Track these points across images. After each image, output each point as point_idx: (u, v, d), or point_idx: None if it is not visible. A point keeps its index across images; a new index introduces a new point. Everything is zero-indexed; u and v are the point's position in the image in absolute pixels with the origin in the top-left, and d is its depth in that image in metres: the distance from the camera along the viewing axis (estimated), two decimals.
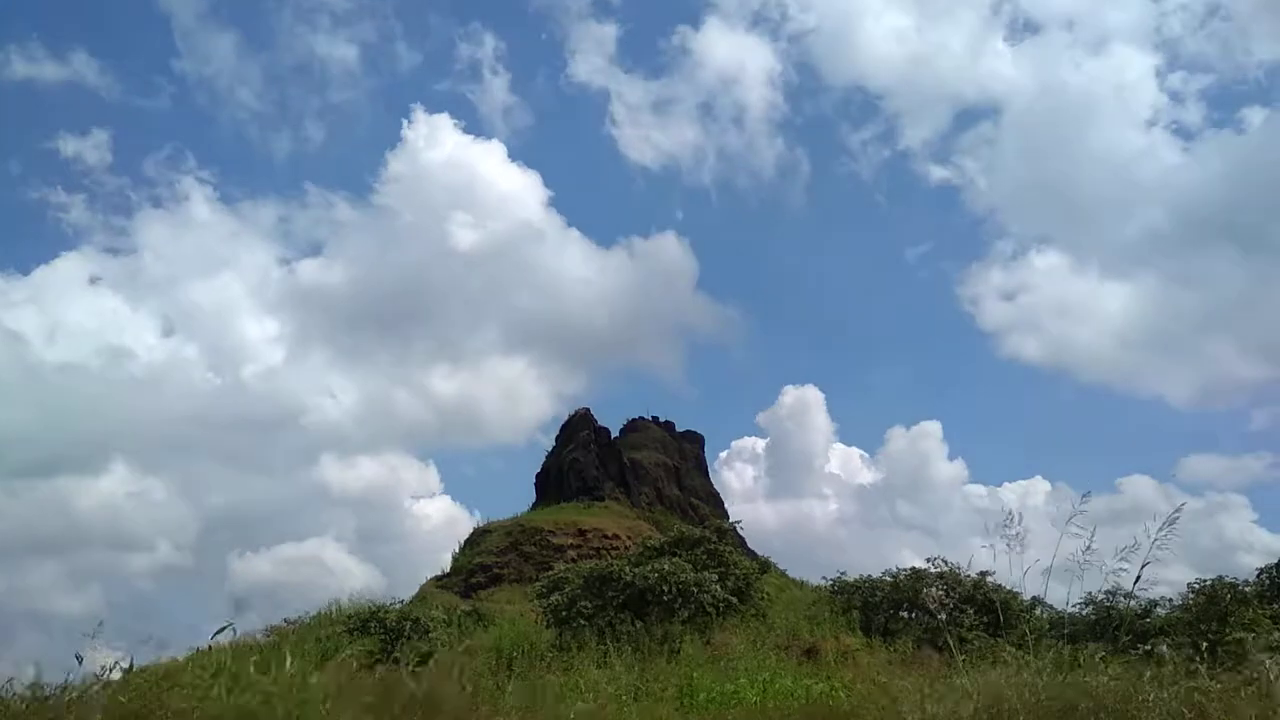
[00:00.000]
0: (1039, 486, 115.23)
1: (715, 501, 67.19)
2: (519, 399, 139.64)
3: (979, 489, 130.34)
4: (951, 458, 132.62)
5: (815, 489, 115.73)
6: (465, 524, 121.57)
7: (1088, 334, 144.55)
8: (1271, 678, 5.34)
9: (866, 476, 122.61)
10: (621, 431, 66.21)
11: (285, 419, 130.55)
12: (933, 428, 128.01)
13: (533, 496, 59.95)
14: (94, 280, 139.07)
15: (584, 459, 57.58)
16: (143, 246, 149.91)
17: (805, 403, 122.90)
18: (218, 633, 7.06)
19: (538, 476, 60.97)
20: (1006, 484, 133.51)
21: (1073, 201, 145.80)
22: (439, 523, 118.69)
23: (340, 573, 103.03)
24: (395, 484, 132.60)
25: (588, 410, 62.53)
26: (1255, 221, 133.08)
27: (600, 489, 55.94)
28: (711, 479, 71.79)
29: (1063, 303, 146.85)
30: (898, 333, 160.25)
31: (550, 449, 61.88)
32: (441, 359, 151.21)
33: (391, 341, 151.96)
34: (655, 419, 70.47)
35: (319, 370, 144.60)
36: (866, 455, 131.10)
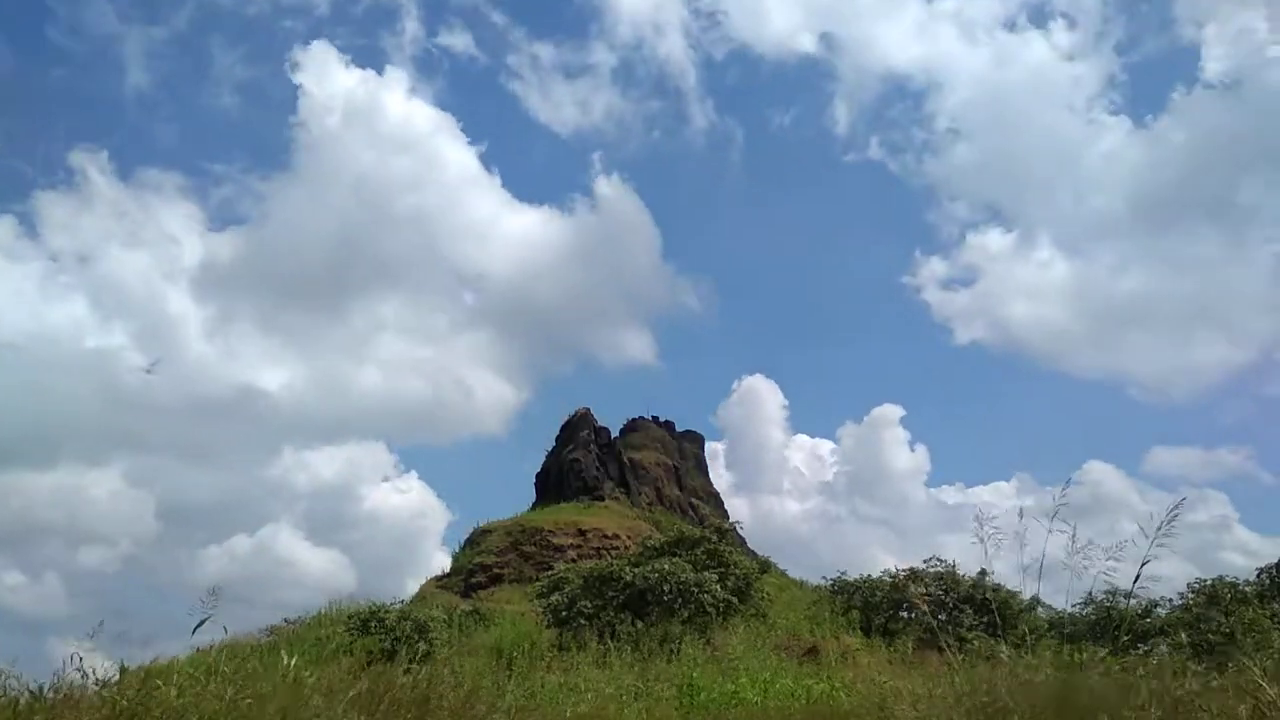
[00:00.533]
0: (1006, 482, 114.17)
1: (715, 501, 67.18)
2: (473, 374, 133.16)
3: (941, 480, 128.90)
4: (913, 446, 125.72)
5: (774, 484, 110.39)
6: (430, 503, 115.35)
7: (1042, 318, 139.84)
8: (1264, 676, 5.32)
9: (827, 469, 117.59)
10: (621, 431, 66.23)
11: (230, 402, 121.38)
12: (893, 413, 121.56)
13: (529, 493, 60.07)
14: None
15: (584, 459, 57.57)
16: (46, 229, 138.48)
17: (760, 394, 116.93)
18: (198, 626, 6.99)
19: (537, 476, 60.99)
20: (970, 477, 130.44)
21: (1020, 179, 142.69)
22: (402, 507, 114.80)
23: (304, 561, 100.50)
24: (353, 468, 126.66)
25: (588, 410, 62.57)
26: (1206, 202, 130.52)
27: (600, 489, 55.91)
28: (711, 479, 71.88)
29: (1014, 285, 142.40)
30: (842, 318, 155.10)
31: (550, 448, 61.96)
32: (388, 334, 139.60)
33: (330, 316, 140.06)
34: (655, 419, 70.65)
35: (258, 350, 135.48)
36: (825, 447, 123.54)
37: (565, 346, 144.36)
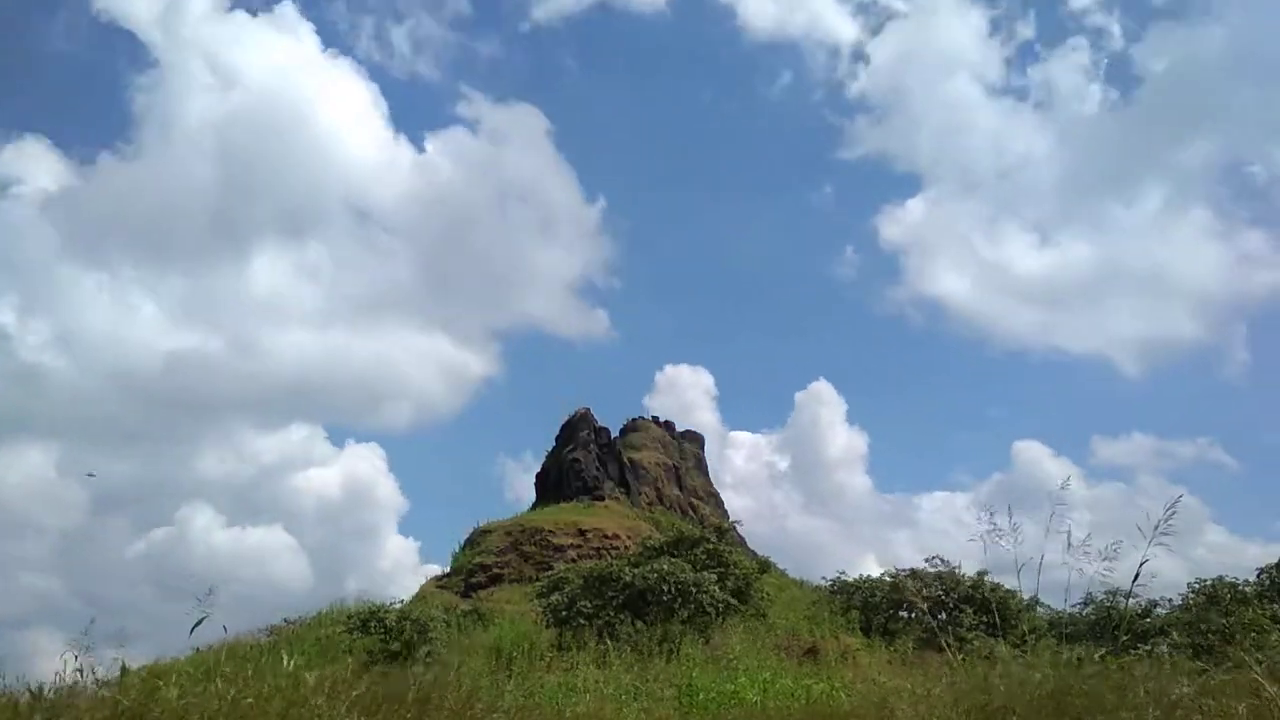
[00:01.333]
0: (950, 491, 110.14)
1: (715, 501, 67.20)
2: (404, 341, 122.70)
3: (879, 469, 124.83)
4: (850, 432, 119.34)
5: (716, 479, 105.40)
6: (381, 485, 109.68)
7: (976, 296, 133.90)
8: (1260, 675, 5.32)
9: (766, 462, 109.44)
10: (621, 431, 66.36)
11: (140, 377, 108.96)
12: (829, 397, 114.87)
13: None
14: None
15: (584, 459, 57.55)
16: None
17: (688, 384, 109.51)
18: (195, 626, 6.98)
19: (537, 476, 61.09)
20: (913, 468, 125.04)
21: (940, 149, 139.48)
22: (349, 489, 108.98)
23: (252, 551, 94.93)
24: (289, 448, 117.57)
25: (588, 410, 62.67)
26: (1137, 172, 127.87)
27: (600, 489, 55.92)
28: (711, 479, 71.93)
29: (941, 262, 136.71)
30: (758, 302, 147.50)
31: (550, 449, 62.05)
32: (297, 291, 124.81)
33: (232, 271, 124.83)
34: (655, 419, 71.11)
35: (159, 318, 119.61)
36: (761, 440, 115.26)
37: (497, 298, 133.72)
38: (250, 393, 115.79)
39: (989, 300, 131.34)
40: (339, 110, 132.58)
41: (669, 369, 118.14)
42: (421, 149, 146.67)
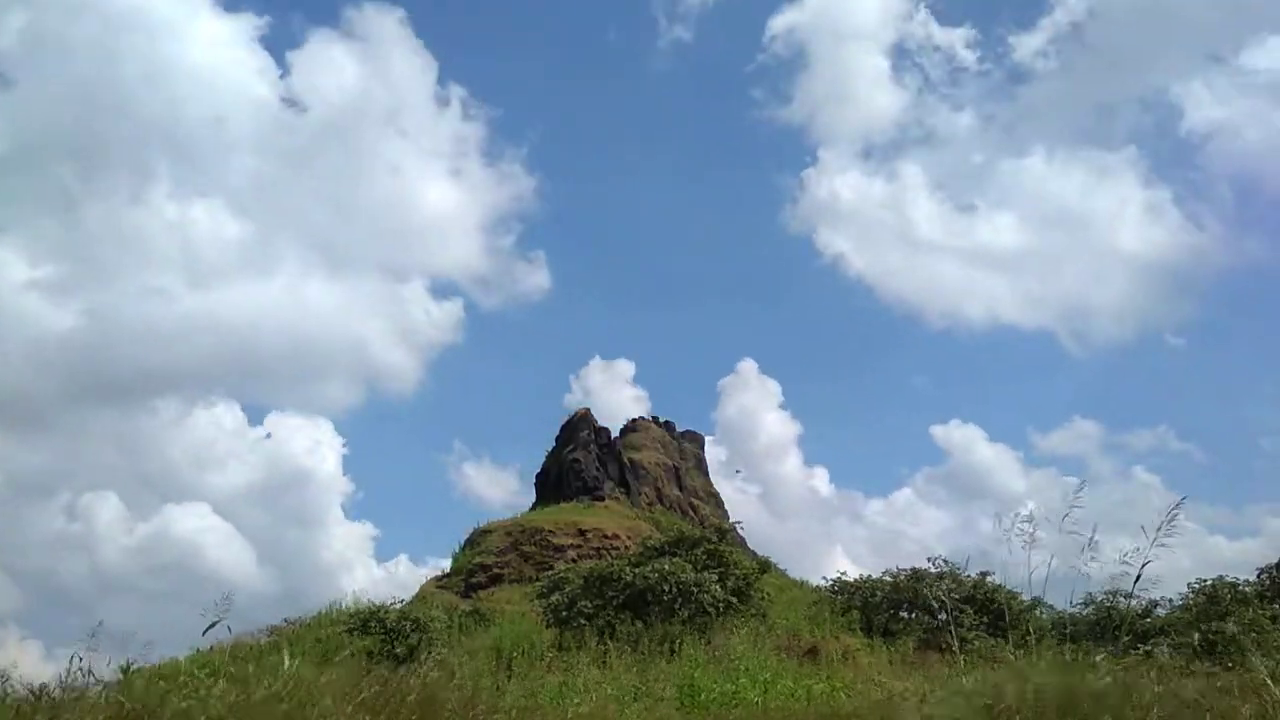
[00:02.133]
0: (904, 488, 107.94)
1: (716, 501, 67.25)
2: (326, 297, 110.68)
3: (815, 460, 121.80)
4: (785, 414, 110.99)
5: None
6: (316, 463, 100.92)
7: (914, 272, 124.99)
8: (1266, 676, 5.32)
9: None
10: (621, 431, 66.43)
11: (31, 345, 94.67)
12: (755, 380, 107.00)
13: (533, 495, 60.21)
14: None
15: (584, 459, 57.58)
16: None
17: (605, 379, 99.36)
18: (208, 629, 7.00)
19: (537, 476, 61.16)
20: (856, 467, 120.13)
21: (857, 119, 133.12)
22: (274, 470, 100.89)
23: (190, 541, 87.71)
24: (212, 424, 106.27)
25: (588, 410, 62.87)
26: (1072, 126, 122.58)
27: (600, 489, 55.93)
28: (711, 479, 71.97)
29: (878, 236, 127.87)
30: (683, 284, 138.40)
31: (550, 449, 62.10)
32: (190, 243, 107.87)
33: (99, 216, 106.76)
34: (655, 419, 71.21)
35: (30, 271, 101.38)
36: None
37: (410, 245, 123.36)
38: (167, 361, 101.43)
39: (913, 274, 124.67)
40: (182, 25, 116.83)
41: (580, 371, 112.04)
42: (287, 65, 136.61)
